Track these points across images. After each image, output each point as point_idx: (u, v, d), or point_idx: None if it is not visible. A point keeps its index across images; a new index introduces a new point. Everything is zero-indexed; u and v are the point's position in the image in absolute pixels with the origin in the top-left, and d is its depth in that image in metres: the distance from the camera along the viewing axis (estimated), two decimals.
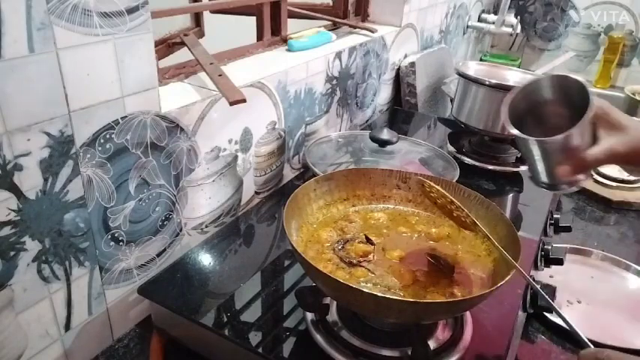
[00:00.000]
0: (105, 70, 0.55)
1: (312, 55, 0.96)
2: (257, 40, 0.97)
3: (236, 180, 0.83)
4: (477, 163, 1.05)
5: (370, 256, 0.61)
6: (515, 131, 0.58)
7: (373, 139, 0.93)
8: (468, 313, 0.62)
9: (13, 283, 0.52)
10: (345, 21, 1.20)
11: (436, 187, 0.61)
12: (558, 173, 0.57)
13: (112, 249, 0.63)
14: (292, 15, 1.07)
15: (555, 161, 0.56)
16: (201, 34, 0.93)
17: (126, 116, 0.59)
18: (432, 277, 0.58)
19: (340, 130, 1.15)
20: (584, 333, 0.49)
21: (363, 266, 0.59)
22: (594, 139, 0.55)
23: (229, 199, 0.82)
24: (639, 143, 0.52)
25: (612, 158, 0.53)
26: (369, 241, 0.63)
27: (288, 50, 0.97)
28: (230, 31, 1.14)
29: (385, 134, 0.93)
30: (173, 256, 0.73)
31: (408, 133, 1.23)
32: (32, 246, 0.53)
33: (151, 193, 0.66)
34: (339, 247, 0.62)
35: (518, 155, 1.09)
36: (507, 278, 0.51)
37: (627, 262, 0.97)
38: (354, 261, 0.60)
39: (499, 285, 0.51)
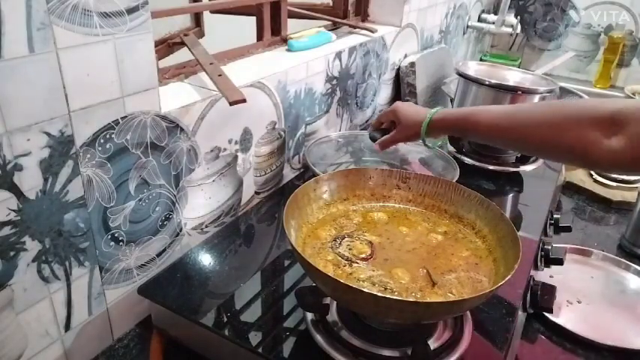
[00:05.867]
0: (105, 70, 0.55)
1: (312, 55, 0.96)
2: (257, 40, 0.97)
3: (236, 180, 0.83)
4: (477, 163, 1.05)
5: (369, 255, 0.61)
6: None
7: (373, 139, 0.93)
8: (468, 313, 0.62)
9: (13, 283, 0.52)
10: (345, 21, 1.20)
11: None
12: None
13: (112, 249, 0.63)
14: (292, 15, 1.07)
15: None
16: (201, 34, 0.93)
17: (126, 116, 0.59)
18: (430, 279, 0.58)
19: (340, 130, 1.15)
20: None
21: (363, 266, 0.59)
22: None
23: (229, 199, 0.82)
24: (407, 131, 0.79)
25: (397, 142, 0.83)
26: (368, 240, 0.63)
27: (288, 50, 0.96)
28: (230, 31, 1.14)
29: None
30: (173, 256, 0.73)
31: None
32: (32, 246, 0.53)
33: (151, 193, 0.66)
34: (337, 244, 0.62)
35: (518, 155, 1.09)
36: (507, 278, 0.51)
37: (627, 262, 0.97)
38: (354, 260, 0.60)
39: (499, 285, 0.51)
